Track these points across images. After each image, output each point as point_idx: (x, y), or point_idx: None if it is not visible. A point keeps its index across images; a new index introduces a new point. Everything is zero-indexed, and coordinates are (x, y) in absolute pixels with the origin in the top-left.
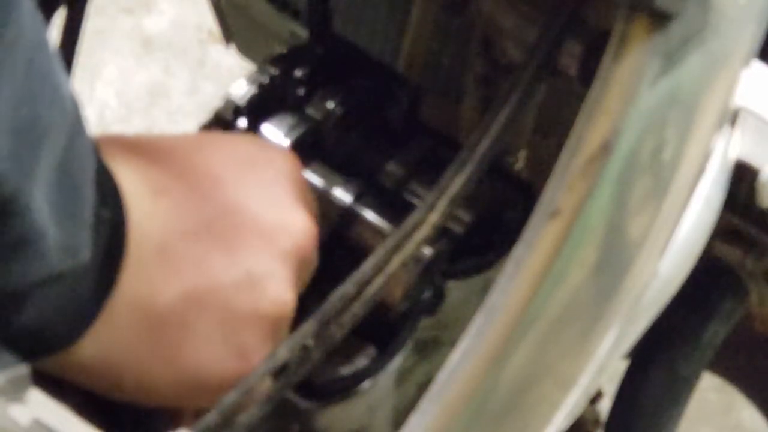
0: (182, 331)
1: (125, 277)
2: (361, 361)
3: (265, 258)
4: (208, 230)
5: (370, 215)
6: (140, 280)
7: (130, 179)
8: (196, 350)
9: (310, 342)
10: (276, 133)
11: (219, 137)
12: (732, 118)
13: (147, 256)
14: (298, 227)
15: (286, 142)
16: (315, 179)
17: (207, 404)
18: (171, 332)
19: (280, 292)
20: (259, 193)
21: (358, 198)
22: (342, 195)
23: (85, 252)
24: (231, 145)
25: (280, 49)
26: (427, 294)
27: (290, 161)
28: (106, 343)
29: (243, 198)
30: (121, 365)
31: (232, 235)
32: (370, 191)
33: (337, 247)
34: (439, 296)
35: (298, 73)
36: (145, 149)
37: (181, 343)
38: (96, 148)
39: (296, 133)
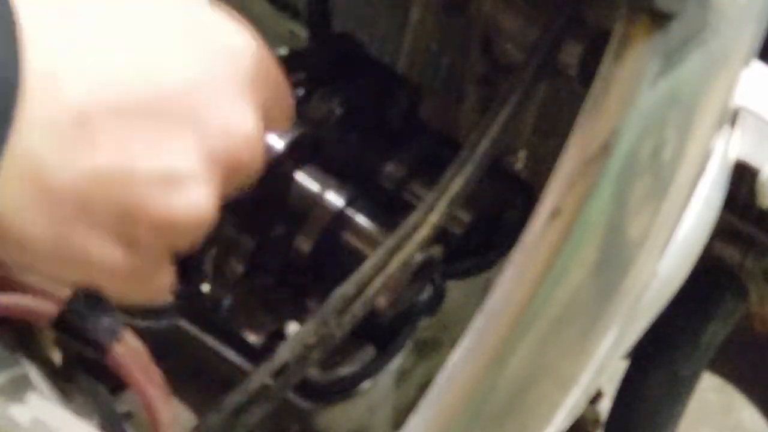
0: (79, 211)
1: (29, 134)
2: (361, 362)
3: (192, 158)
4: (138, 110)
5: (361, 220)
6: (49, 143)
7: (49, 23)
8: (86, 232)
9: (311, 342)
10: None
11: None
12: (732, 118)
13: (63, 120)
14: (239, 134)
15: (284, 142)
16: (309, 182)
17: (77, 283)
18: (67, 208)
19: (198, 198)
20: (207, 81)
21: (351, 202)
22: (334, 199)
23: None
24: (193, 14)
25: (279, 49)
26: (426, 294)
27: (258, 52)
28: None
29: (186, 82)
30: (9, 228)
31: (163, 122)
32: (364, 195)
33: (330, 250)
34: (439, 296)
35: (298, 74)
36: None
37: (73, 222)
38: None
39: (295, 133)
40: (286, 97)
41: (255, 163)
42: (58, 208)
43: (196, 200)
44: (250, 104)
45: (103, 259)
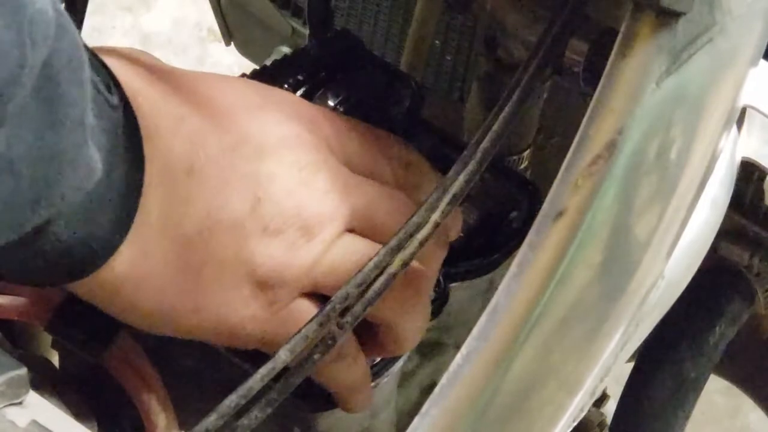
0: (205, 254)
1: (153, 196)
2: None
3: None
4: (232, 155)
5: None
6: (171, 195)
7: (150, 100)
8: (215, 274)
9: (311, 343)
10: None
11: (229, 77)
12: (739, 117)
13: (176, 174)
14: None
15: None
16: None
17: (225, 343)
18: (195, 253)
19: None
20: (275, 127)
21: None
22: None
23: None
24: (243, 83)
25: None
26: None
27: (299, 100)
28: (135, 258)
29: (259, 130)
30: (146, 282)
31: (254, 161)
32: None
33: None
34: (443, 299)
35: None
36: (163, 71)
37: (203, 266)
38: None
39: None
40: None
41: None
42: (189, 254)
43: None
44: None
45: (233, 310)
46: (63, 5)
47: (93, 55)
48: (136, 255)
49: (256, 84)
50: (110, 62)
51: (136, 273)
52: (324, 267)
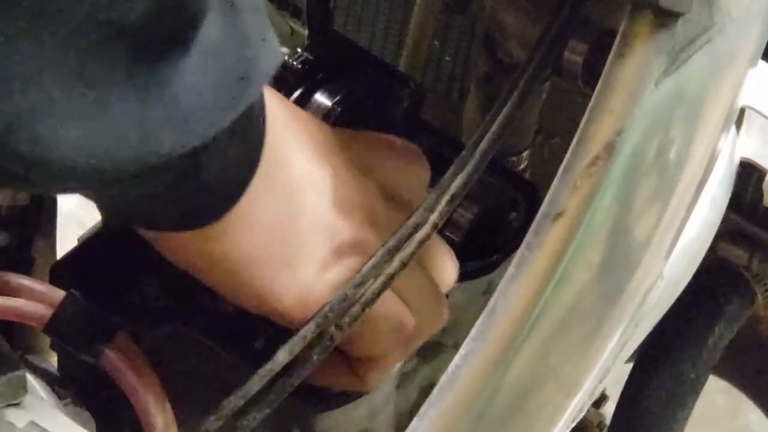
0: (301, 209)
1: (271, 147)
2: None
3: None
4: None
5: None
6: (282, 153)
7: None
8: (306, 235)
9: (310, 343)
10: None
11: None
12: (738, 118)
13: (288, 134)
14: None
15: None
16: None
17: (288, 311)
18: (293, 207)
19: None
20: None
21: None
22: None
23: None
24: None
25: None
26: None
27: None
28: (250, 209)
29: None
30: (249, 253)
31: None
32: None
33: None
34: None
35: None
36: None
37: (297, 222)
38: None
39: None
40: None
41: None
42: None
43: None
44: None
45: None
46: None
47: None
48: (252, 201)
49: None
50: None
51: (248, 222)
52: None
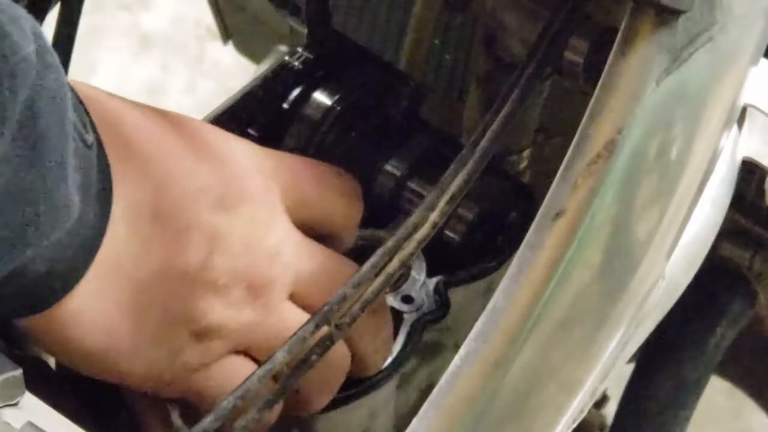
0: (151, 299)
1: (116, 238)
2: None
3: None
4: (194, 204)
5: None
6: (132, 238)
7: (118, 139)
8: (157, 320)
9: (309, 344)
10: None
11: (196, 121)
12: (740, 116)
13: (140, 217)
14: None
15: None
16: None
17: (152, 390)
18: (143, 297)
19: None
20: (236, 180)
21: None
22: None
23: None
24: (210, 130)
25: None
26: (424, 302)
27: (260, 149)
28: (89, 297)
29: (221, 180)
30: (95, 322)
31: (213, 213)
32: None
33: None
34: (444, 306)
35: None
36: (130, 112)
37: (147, 310)
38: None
39: (295, 131)
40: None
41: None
42: (138, 298)
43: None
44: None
45: (174, 351)
46: (59, 4)
47: (72, 92)
48: (92, 293)
49: (220, 132)
50: (84, 100)
51: (89, 311)
52: (261, 331)
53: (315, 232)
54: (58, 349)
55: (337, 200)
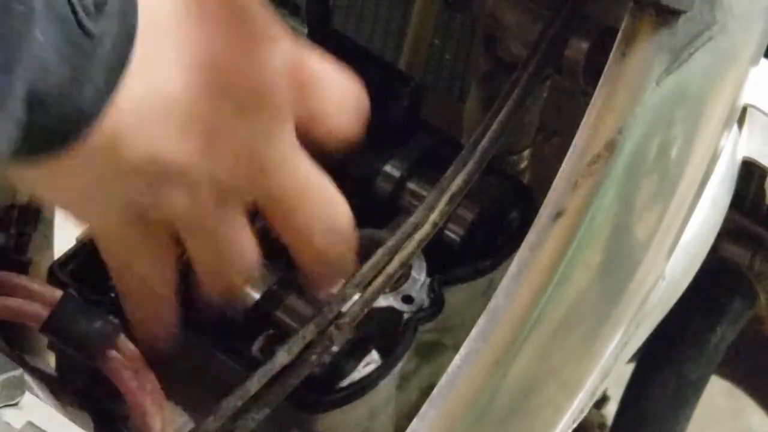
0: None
1: (143, 52)
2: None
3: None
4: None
5: None
6: (166, 69)
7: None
8: (199, 141)
9: (309, 345)
10: None
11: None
12: (740, 116)
13: (179, 56)
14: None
15: None
16: None
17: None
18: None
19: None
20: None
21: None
22: None
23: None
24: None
25: None
26: (425, 302)
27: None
28: (125, 117)
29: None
30: (134, 140)
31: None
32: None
33: None
34: (438, 304)
35: None
36: None
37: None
38: None
39: None
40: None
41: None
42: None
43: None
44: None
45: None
46: None
47: None
48: (126, 113)
49: (268, 16)
50: None
51: (126, 131)
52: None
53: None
54: (102, 172)
55: (344, 117)
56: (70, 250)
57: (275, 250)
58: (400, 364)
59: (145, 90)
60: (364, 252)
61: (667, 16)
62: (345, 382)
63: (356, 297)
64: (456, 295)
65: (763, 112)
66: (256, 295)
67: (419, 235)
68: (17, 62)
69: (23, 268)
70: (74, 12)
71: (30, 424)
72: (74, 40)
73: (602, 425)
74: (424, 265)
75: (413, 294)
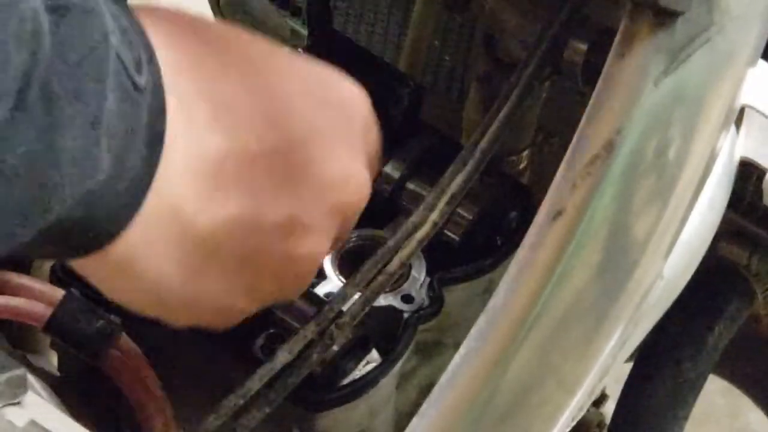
0: (209, 256)
1: (170, 182)
2: (361, 370)
3: (315, 208)
4: (268, 159)
5: None
6: (188, 191)
7: (191, 79)
8: (213, 278)
9: (309, 344)
10: None
11: (300, 58)
12: (737, 117)
13: (201, 168)
14: (355, 185)
15: None
16: None
17: (190, 323)
18: (200, 254)
19: (316, 246)
20: (328, 137)
21: None
22: None
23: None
24: (310, 72)
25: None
26: (425, 302)
27: (365, 106)
28: (136, 248)
29: (310, 135)
30: (143, 272)
31: (289, 173)
32: None
33: None
34: (438, 303)
35: None
36: (215, 44)
37: (203, 267)
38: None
39: None
40: (378, 139)
41: (362, 205)
42: (192, 254)
43: (314, 249)
44: (361, 153)
45: (227, 304)
46: None
47: (131, 21)
48: (141, 243)
49: (323, 72)
50: (149, 29)
51: (139, 260)
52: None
53: None
54: (109, 290)
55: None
56: None
57: None
58: (399, 363)
59: (185, 152)
60: (364, 252)
61: (665, 17)
62: (345, 381)
63: (356, 296)
64: (456, 295)
65: (761, 113)
66: None
67: (419, 235)
68: (100, 119)
69: (26, 267)
70: (125, 67)
71: (32, 422)
72: (129, 95)
73: (601, 423)
74: (423, 264)
75: (413, 293)
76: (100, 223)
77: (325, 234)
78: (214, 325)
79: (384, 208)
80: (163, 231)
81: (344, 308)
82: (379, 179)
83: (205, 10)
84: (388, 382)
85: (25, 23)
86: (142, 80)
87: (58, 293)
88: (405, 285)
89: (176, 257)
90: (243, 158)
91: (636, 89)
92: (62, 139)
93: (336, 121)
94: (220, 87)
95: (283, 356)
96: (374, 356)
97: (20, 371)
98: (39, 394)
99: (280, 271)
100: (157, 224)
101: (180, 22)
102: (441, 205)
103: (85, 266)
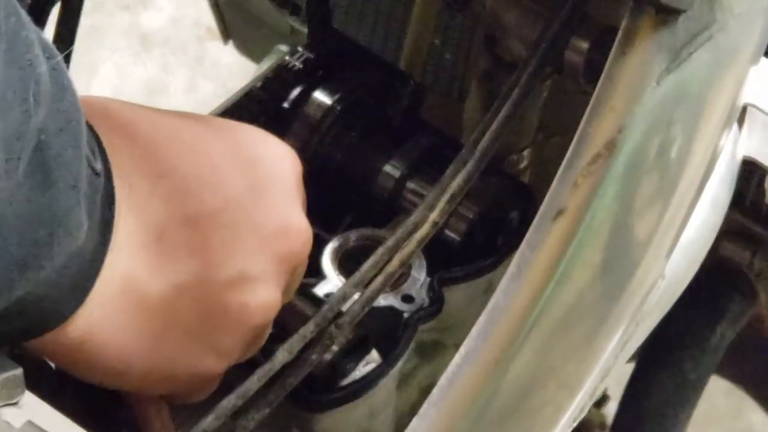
0: (168, 320)
1: (120, 256)
2: (361, 370)
3: (260, 260)
4: (209, 221)
5: None
6: (137, 261)
7: (128, 156)
8: (176, 341)
9: (309, 344)
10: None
11: (224, 124)
12: (740, 115)
13: (146, 238)
14: (296, 232)
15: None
16: None
17: (169, 394)
18: (157, 319)
19: (269, 296)
20: (262, 191)
21: None
22: None
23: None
24: (236, 136)
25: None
26: (425, 302)
27: (293, 160)
28: (94, 323)
29: (246, 191)
30: (104, 346)
31: (232, 231)
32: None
33: None
34: (439, 303)
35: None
36: (145, 124)
37: (164, 332)
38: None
39: (295, 131)
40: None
41: (307, 252)
42: (151, 320)
43: (266, 299)
44: (296, 202)
45: (194, 366)
46: (59, 4)
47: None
48: (98, 318)
49: (251, 136)
50: (92, 119)
51: (97, 334)
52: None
53: None
54: (71, 368)
55: None
56: None
57: None
58: (399, 364)
59: (131, 224)
60: (364, 252)
61: (667, 15)
62: (345, 382)
63: (356, 296)
64: (456, 295)
65: (763, 111)
66: None
67: (419, 235)
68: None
69: None
70: (90, 150)
71: (30, 423)
72: (92, 179)
73: (602, 424)
74: (424, 264)
75: (413, 293)
76: (57, 300)
77: (274, 283)
78: (195, 392)
79: (384, 208)
80: (119, 302)
81: (344, 308)
82: (379, 178)
83: (206, 10)
84: (388, 383)
85: (39, 86)
86: (98, 165)
87: None
88: (405, 285)
89: (135, 326)
90: (185, 222)
91: (638, 87)
92: (52, 200)
93: (268, 175)
94: (155, 161)
95: (283, 356)
96: (374, 356)
97: (17, 371)
98: (36, 395)
99: (239, 325)
100: (112, 297)
101: (111, 107)
102: (441, 204)
103: (43, 346)
